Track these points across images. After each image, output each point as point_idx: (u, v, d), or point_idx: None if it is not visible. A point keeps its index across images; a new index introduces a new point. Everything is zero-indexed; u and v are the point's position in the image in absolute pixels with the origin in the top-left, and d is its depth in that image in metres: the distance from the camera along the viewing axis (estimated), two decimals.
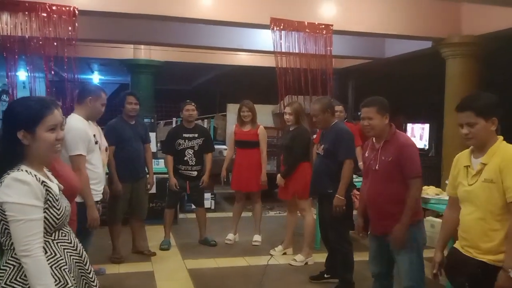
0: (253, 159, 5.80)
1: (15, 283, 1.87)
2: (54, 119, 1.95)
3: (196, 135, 5.73)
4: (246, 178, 5.81)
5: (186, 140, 5.68)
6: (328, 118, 4.46)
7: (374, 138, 3.40)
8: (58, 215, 1.95)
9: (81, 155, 3.66)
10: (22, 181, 1.84)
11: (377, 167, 3.30)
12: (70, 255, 2.00)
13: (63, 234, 2.00)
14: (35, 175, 1.90)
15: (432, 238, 4.00)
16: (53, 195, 1.95)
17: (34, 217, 1.85)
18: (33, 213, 1.85)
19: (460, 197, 2.64)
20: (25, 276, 1.86)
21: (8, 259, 1.90)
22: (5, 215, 1.84)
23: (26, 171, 1.89)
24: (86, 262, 2.07)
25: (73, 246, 2.03)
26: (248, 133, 5.82)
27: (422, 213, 3.48)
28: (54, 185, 2.03)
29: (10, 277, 1.87)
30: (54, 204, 1.95)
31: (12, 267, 1.88)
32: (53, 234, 1.96)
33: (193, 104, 5.74)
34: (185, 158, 5.67)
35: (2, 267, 1.90)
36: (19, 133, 1.89)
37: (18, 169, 1.88)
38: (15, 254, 1.88)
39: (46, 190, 1.92)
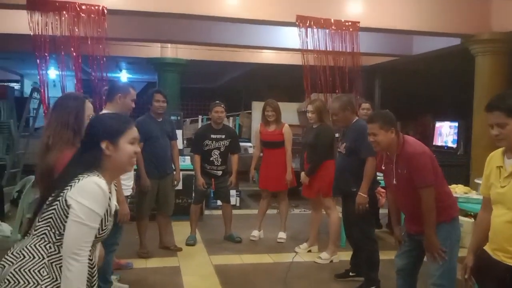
0: (280, 159, 5.81)
1: (25, 274, 1.88)
2: (135, 133, 2.11)
3: (223, 136, 5.77)
4: (274, 178, 5.82)
5: (213, 141, 5.74)
6: (349, 115, 4.41)
7: (387, 152, 3.37)
8: (100, 234, 2.00)
9: None
10: (100, 188, 1.92)
11: (395, 181, 3.29)
12: None
13: (90, 250, 2.03)
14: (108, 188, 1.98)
15: (461, 237, 3.93)
16: (108, 214, 2.02)
17: (95, 225, 1.93)
18: (96, 222, 1.93)
19: (492, 198, 2.56)
20: (39, 271, 1.88)
21: (30, 246, 1.92)
22: (64, 208, 1.90)
23: (104, 180, 1.96)
24: (94, 284, 2.07)
25: (92, 264, 2.04)
26: (273, 133, 5.83)
27: (458, 210, 3.40)
28: (113, 205, 2.10)
29: (24, 266, 1.88)
30: (104, 223, 2.00)
31: (31, 256, 1.90)
32: None
33: (222, 105, 5.78)
34: (211, 159, 5.73)
35: (20, 251, 1.92)
36: (103, 143, 2.00)
37: (98, 175, 1.96)
38: (39, 244, 1.91)
39: (107, 207, 2.00)
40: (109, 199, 2.00)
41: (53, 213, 1.92)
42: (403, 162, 3.21)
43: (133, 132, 2.10)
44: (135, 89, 4.12)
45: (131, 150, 2.07)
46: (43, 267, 1.90)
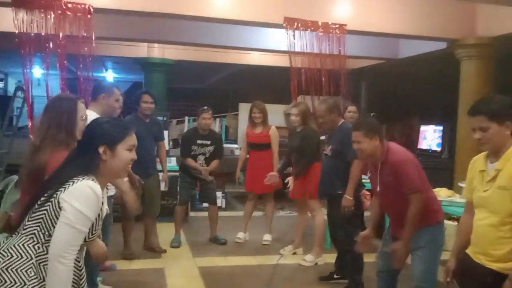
0: (267, 161, 5.81)
1: (12, 273, 1.86)
2: (133, 141, 2.11)
3: (209, 142, 5.80)
4: (260, 180, 5.80)
5: (199, 147, 5.78)
6: (335, 118, 4.43)
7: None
8: (89, 238, 1.99)
9: None
10: (94, 192, 1.91)
11: (378, 189, 3.33)
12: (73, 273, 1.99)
13: (78, 252, 2.01)
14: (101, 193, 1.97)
15: (445, 240, 3.96)
16: (99, 218, 2.00)
17: (85, 230, 1.91)
18: (86, 226, 1.91)
19: (475, 202, 2.59)
20: (27, 272, 1.86)
21: (19, 245, 1.90)
22: (56, 209, 1.89)
23: (98, 185, 1.95)
24: (83, 286, 2.06)
25: (79, 267, 2.03)
26: (260, 135, 5.84)
27: (443, 214, 3.43)
28: (105, 210, 2.09)
29: (11, 265, 1.86)
30: (95, 227, 1.99)
31: (18, 256, 1.88)
32: None
33: (210, 112, 5.80)
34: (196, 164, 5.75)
35: (8, 250, 1.90)
36: (100, 147, 1.99)
37: (93, 180, 1.94)
38: (28, 244, 1.89)
39: (99, 211, 1.98)
40: (102, 203, 1.99)
41: (44, 213, 1.90)
42: (388, 169, 3.23)
43: (132, 139, 2.09)
44: (119, 89, 4.08)
45: (128, 157, 2.07)
46: (30, 267, 1.88)
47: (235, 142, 10.15)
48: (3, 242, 1.98)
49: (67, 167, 2.00)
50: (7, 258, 1.88)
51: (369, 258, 4.60)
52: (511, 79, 7.52)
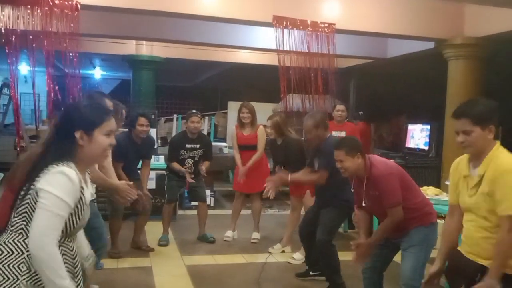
0: (256, 161, 5.81)
1: (4, 269, 1.85)
2: (112, 125, 2.05)
3: (198, 146, 5.79)
4: (248, 180, 5.81)
5: (188, 151, 5.76)
6: (321, 133, 4.37)
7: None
8: (77, 224, 1.96)
9: None
10: (69, 178, 1.88)
11: (364, 203, 3.38)
12: (65, 263, 1.97)
13: (69, 240, 2.00)
14: (79, 178, 1.93)
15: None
16: (82, 203, 1.97)
17: (62, 214, 1.87)
18: (64, 210, 1.87)
19: (462, 206, 2.61)
20: (19, 266, 1.85)
21: (9, 242, 1.89)
22: (36, 200, 1.86)
23: (74, 170, 1.92)
24: (78, 274, 2.04)
25: (73, 255, 2.01)
26: (248, 137, 5.85)
27: (436, 216, 3.47)
28: (88, 193, 2.04)
29: (3, 261, 1.86)
30: (79, 213, 1.96)
31: (9, 252, 1.87)
32: (62, 238, 1.95)
33: (199, 115, 5.79)
34: (185, 167, 5.74)
35: None
36: (77, 133, 1.95)
37: (68, 165, 1.91)
38: (18, 239, 1.88)
39: (80, 196, 1.95)
40: (82, 188, 1.95)
41: (27, 207, 1.89)
42: (372, 184, 3.29)
43: (110, 124, 2.03)
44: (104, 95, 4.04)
45: (106, 143, 2.01)
46: (22, 262, 1.86)
47: (224, 140, 10.13)
48: None
49: (43, 156, 1.96)
50: None
51: (347, 257, 4.64)
52: (498, 79, 7.60)
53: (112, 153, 4.34)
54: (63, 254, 1.95)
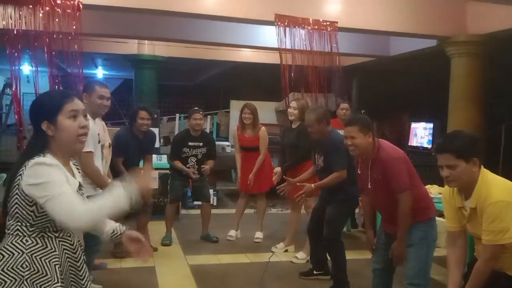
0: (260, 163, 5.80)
1: (10, 272, 1.85)
2: (74, 106, 1.96)
3: (201, 143, 5.76)
4: (254, 180, 5.79)
5: (191, 149, 5.74)
6: (323, 128, 4.38)
7: (363, 156, 3.39)
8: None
9: (90, 152, 3.66)
10: (46, 164, 1.85)
11: (369, 186, 3.33)
12: (67, 257, 1.98)
13: (68, 235, 1.99)
14: (57, 162, 1.91)
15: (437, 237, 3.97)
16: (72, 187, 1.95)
17: (65, 189, 1.84)
18: (62, 186, 1.84)
19: (468, 231, 2.65)
20: (21, 266, 1.86)
21: (8, 245, 1.89)
22: (23, 197, 1.85)
23: (50, 158, 1.90)
24: (82, 268, 2.04)
25: (74, 249, 2.01)
26: (250, 139, 5.83)
27: (435, 211, 3.44)
28: (75, 182, 2.01)
29: (6, 265, 1.86)
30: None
31: (10, 254, 1.87)
32: (59, 232, 1.95)
33: (201, 112, 5.77)
34: (188, 166, 5.72)
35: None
36: (43, 125, 1.91)
37: (43, 155, 1.89)
38: (15, 241, 1.88)
39: (67, 178, 1.92)
40: (65, 173, 1.92)
41: (16, 207, 1.88)
42: (378, 167, 3.24)
43: (72, 105, 1.95)
44: (104, 85, 3.98)
45: (74, 126, 1.94)
46: (24, 261, 1.87)
47: (227, 139, 10.11)
48: None
49: (22, 154, 1.96)
50: (0, 260, 1.87)
51: (360, 255, 4.63)
52: (501, 76, 7.57)
53: (112, 147, 4.37)
54: (63, 249, 1.96)
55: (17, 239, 1.89)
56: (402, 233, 3.18)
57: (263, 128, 5.90)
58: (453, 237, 2.73)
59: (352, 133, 3.29)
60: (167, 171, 6.23)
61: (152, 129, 5.52)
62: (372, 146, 3.28)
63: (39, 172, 1.83)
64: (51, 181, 1.82)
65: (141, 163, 5.42)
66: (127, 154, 4.99)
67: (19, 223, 1.89)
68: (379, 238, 3.48)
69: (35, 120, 1.93)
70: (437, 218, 5.45)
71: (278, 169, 5.35)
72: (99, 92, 3.86)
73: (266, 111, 7.56)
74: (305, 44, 6.66)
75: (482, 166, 2.53)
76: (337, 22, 6.58)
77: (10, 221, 1.91)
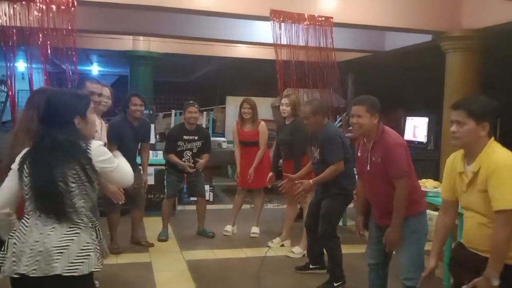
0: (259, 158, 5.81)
1: (89, 245, 2.24)
2: (91, 103, 2.49)
3: (196, 137, 5.76)
4: (253, 175, 5.80)
5: (186, 142, 5.74)
6: (319, 120, 4.40)
7: (365, 138, 3.40)
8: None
9: None
10: (102, 144, 2.35)
11: (368, 168, 3.33)
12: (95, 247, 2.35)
13: (96, 224, 2.43)
14: None
15: (430, 231, 4.00)
16: None
17: (117, 159, 2.44)
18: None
19: (460, 203, 2.63)
20: (91, 238, 2.27)
21: (73, 224, 2.20)
22: (90, 175, 2.23)
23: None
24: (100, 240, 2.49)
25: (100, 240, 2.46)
26: (249, 133, 5.84)
27: (425, 204, 3.46)
28: None
29: (84, 240, 2.21)
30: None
31: (79, 231, 2.21)
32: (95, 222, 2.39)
33: (196, 105, 5.76)
34: (183, 159, 5.72)
35: (69, 232, 2.19)
36: (76, 119, 2.31)
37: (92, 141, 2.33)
38: (80, 219, 2.22)
39: None
40: None
41: (85, 187, 2.23)
42: (379, 150, 3.25)
43: (91, 103, 2.47)
44: (96, 81, 3.91)
45: (93, 118, 2.51)
46: (93, 232, 2.32)
47: (223, 135, 10.12)
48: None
49: (63, 142, 2.24)
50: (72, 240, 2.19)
51: (355, 249, 4.65)
52: (496, 70, 7.59)
53: (109, 137, 4.36)
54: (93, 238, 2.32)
55: (81, 217, 2.24)
56: (397, 219, 3.19)
57: (262, 123, 5.91)
58: (445, 206, 2.75)
59: (359, 112, 3.31)
60: (163, 166, 6.22)
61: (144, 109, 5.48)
62: (376, 128, 3.31)
63: (102, 150, 2.33)
64: (111, 156, 2.37)
65: (139, 161, 5.43)
66: (121, 141, 4.94)
67: (83, 199, 2.24)
68: (371, 232, 3.51)
69: (67, 116, 2.29)
70: (432, 212, 5.50)
71: (271, 175, 5.37)
72: (89, 88, 3.79)
73: (262, 107, 7.55)
74: (301, 39, 6.65)
75: (492, 137, 2.50)
76: (332, 18, 6.57)
77: (75, 200, 2.20)
